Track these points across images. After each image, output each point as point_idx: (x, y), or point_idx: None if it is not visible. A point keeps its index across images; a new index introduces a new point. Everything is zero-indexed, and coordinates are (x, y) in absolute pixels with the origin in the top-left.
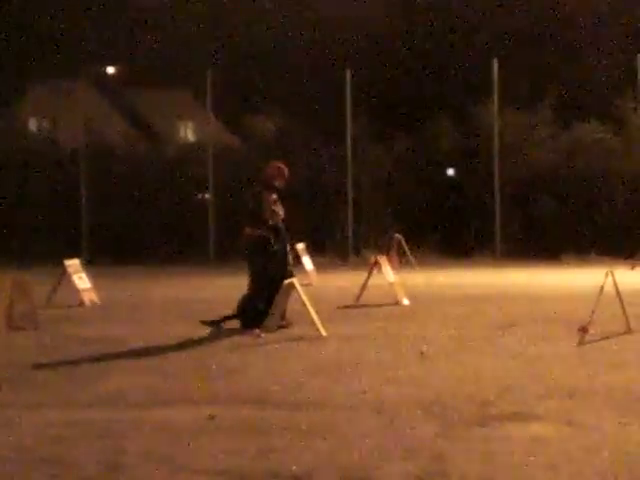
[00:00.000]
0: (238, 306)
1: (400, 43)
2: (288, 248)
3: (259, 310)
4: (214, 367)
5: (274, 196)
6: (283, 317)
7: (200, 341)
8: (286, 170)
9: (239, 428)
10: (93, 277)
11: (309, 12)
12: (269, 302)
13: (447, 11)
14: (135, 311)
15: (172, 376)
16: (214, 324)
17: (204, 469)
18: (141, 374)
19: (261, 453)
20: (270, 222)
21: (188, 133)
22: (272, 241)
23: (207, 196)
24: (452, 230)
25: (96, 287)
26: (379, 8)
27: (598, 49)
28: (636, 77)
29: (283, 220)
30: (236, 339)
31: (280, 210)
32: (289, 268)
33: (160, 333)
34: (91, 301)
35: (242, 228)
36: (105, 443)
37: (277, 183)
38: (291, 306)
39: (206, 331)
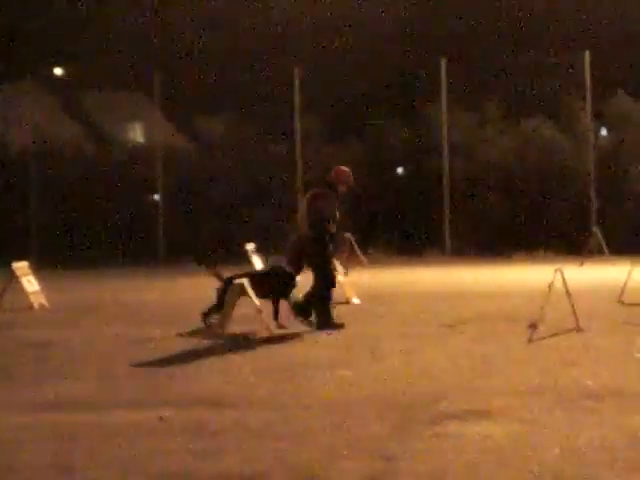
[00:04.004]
0: (315, 310)
1: (351, 43)
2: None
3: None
4: (162, 368)
5: (336, 200)
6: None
7: (150, 342)
8: (351, 177)
9: (190, 429)
10: (42, 280)
11: (259, 10)
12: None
13: (397, 11)
14: (84, 314)
15: (122, 378)
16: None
17: (155, 471)
18: (90, 377)
19: (212, 454)
20: (330, 224)
21: (138, 135)
22: (329, 242)
23: (156, 197)
24: (402, 228)
25: (45, 290)
26: (331, 8)
27: (546, 47)
28: (584, 74)
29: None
30: (186, 340)
31: (337, 214)
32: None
33: (109, 335)
34: (40, 304)
35: (300, 229)
36: (55, 446)
37: (341, 188)
38: (241, 308)
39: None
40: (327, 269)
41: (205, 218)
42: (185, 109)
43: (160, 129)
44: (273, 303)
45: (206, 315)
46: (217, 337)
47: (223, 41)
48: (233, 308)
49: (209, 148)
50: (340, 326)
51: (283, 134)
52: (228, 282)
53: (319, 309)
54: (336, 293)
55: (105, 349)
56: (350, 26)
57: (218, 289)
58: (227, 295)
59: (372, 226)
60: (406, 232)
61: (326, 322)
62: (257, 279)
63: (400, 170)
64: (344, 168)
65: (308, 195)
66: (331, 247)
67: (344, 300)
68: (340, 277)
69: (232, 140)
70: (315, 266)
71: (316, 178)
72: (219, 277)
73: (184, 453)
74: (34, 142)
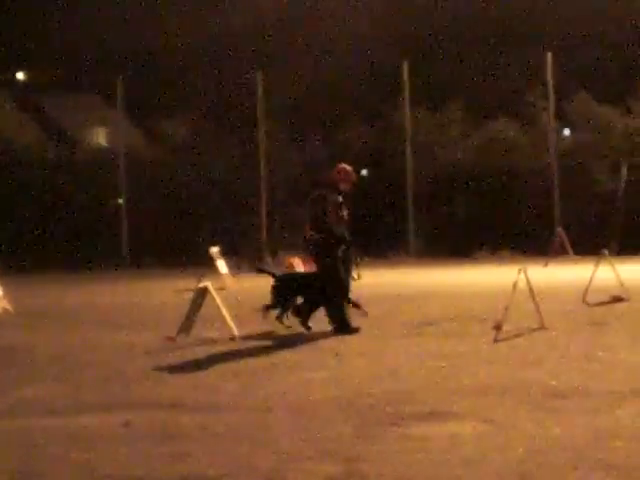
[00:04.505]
0: (330, 316)
1: (314, 45)
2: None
3: (344, 311)
4: (129, 372)
5: (339, 199)
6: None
7: (114, 347)
8: (353, 173)
9: (154, 433)
10: (6, 284)
11: (221, 14)
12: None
13: (360, 13)
14: (49, 318)
15: (87, 382)
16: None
17: (120, 475)
18: (55, 381)
19: (177, 457)
20: (335, 227)
21: (100, 138)
22: (336, 245)
23: (120, 201)
24: (367, 230)
25: (9, 295)
26: (292, 10)
27: (507, 48)
28: (545, 75)
29: (347, 224)
30: (150, 344)
31: (345, 214)
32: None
33: (74, 340)
34: (4, 309)
35: (306, 232)
36: (20, 452)
37: (342, 186)
38: (205, 310)
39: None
40: (335, 274)
41: (169, 221)
42: (148, 112)
43: (123, 132)
44: (310, 305)
45: (267, 310)
46: (184, 337)
47: (186, 44)
48: (198, 311)
49: (172, 151)
50: (356, 330)
51: (246, 137)
52: (279, 279)
53: (335, 316)
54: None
55: (70, 353)
56: (314, 28)
57: (273, 286)
58: (192, 298)
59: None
60: (371, 234)
61: (344, 327)
62: (303, 281)
63: (364, 172)
64: (344, 166)
65: (309, 199)
66: (341, 250)
67: None
68: None
69: (195, 142)
70: (322, 271)
71: (316, 178)
72: (271, 274)
73: (149, 457)
74: None
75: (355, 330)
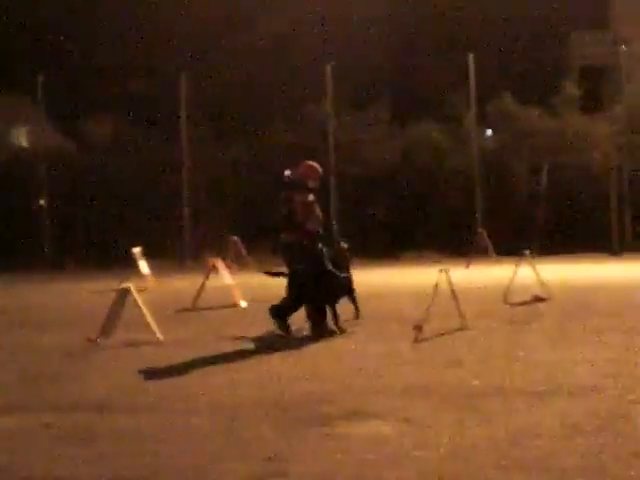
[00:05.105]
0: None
1: (234, 45)
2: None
3: (322, 309)
4: (50, 374)
5: (310, 197)
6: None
7: (35, 348)
8: (319, 169)
9: (76, 434)
10: None
11: (144, 13)
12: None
13: (283, 13)
14: None
15: (6, 384)
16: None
17: (41, 477)
18: None
19: (98, 459)
20: (308, 225)
21: (22, 138)
22: (309, 245)
23: (41, 202)
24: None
25: None
26: (215, 10)
27: (431, 50)
28: (468, 77)
29: (321, 222)
30: (72, 345)
31: (318, 212)
32: (344, 274)
33: None
34: None
35: (277, 234)
36: None
37: (311, 184)
38: (128, 311)
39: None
40: (302, 278)
41: (92, 222)
42: (71, 112)
43: (45, 133)
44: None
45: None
46: (106, 339)
47: (109, 43)
48: (120, 312)
49: (96, 151)
50: (334, 333)
51: (170, 138)
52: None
53: (314, 318)
54: (224, 297)
55: None
56: (238, 28)
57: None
58: (114, 299)
59: (259, 229)
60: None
61: (320, 331)
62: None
63: (287, 172)
64: (310, 163)
65: (277, 201)
66: (317, 249)
67: (231, 304)
68: (227, 280)
69: (119, 143)
70: (292, 274)
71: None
72: (283, 275)
73: (71, 459)
74: None
75: (333, 333)
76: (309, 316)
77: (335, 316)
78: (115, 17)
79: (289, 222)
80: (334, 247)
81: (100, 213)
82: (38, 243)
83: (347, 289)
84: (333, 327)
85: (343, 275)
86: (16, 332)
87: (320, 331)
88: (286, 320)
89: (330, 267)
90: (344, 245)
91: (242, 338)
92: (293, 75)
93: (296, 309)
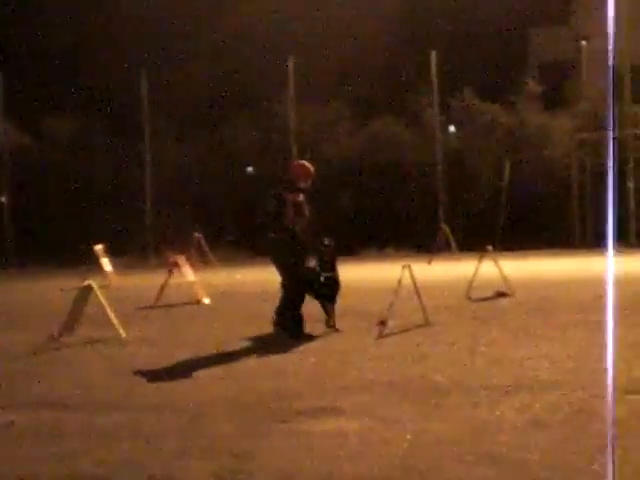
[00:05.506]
0: (277, 314)
1: (198, 42)
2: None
3: (301, 315)
4: (13, 372)
5: (300, 197)
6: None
7: (0, 346)
8: (312, 169)
9: (40, 433)
10: None
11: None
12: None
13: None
14: None
15: None
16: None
17: (4, 475)
18: None
19: (62, 457)
20: (293, 226)
21: None
22: (297, 245)
23: (2, 199)
24: (251, 228)
25: None
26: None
27: (394, 46)
28: (430, 73)
29: (310, 222)
30: (35, 343)
31: (307, 212)
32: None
33: None
34: None
35: (264, 232)
36: None
37: (302, 184)
38: (91, 309)
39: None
40: (294, 276)
41: (55, 219)
42: (31, 109)
43: (3, 129)
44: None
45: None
46: (68, 336)
47: (68, 39)
48: (82, 309)
49: (58, 148)
50: (309, 337)
51: (133, 135)
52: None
53: (288, 316)
54: (187, 294)
55: None
56: (198, 25)
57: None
58: (76, 296)
59: (223, 226)
60: (255, 231)
61: (296, 331)
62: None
63: (250, 169)
64: (302, 162)
65: (265, 199)
66: (301, 248)
67: (194, 301)
68: (189, 277)
69: (82, 141)
70: (282, 273)
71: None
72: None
73: (34, 457)
74: None
75: (308, 337)
76: (279, 313)
77: (329, 314)
78: (76, 13)
79: (278, 222)
80: (320, 246)
81: (62, 210)
82: (0, 240)
83: (334, 288)
84: (312, 331)
85: (328, 275)
86: None
87: (292, 332)
88: (301, 325)
89: (313, 266)
90: (329, 243)
91: (199, 332)
92: (255, 71)
93: (299, 305)
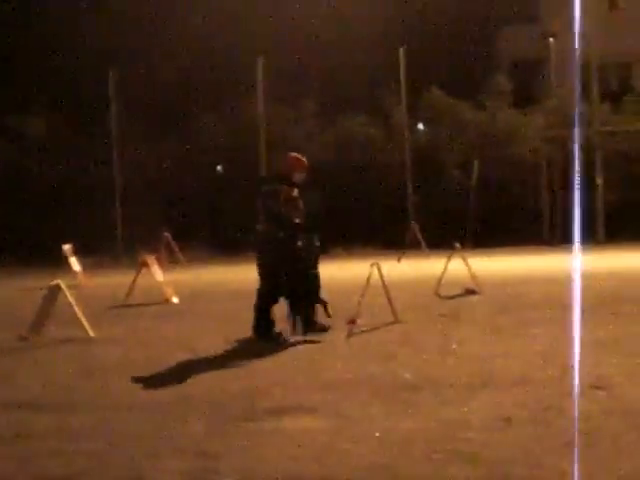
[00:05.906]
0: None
1: (167, 41)
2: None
3: (270, 315)
4: None
5: (295, 192)
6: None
7: None
8: (305, 162)
9: (8, 433)
10: None
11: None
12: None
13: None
14: None
15: None
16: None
17: None
18: None
19: (30, 458)
20: (294, 220)
21: None
22: (289, 241)
23: None
24: (220, 227)
25: None
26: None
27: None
28: (399, 71)
29: (304, 217)
30: (2, 343)
31: (301, 207)
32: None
33: None
34: None
35: (270, 234)
36: None
37: (297, 177)
38: (58, 308)
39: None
40: (273, 275)
41: (23, 219)
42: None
43: None
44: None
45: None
46: (38, 336)
47: (34, 38)
48: (50, 309)
49: (26, 149)
50: (278, 339)
51: (101, 134)
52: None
53: (257, 316)
54: (156, 293)
55: None
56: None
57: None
58: (44, 296)
59: (191, 225)
60: (225, 231)
61: (265, 331)
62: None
63: (219, 168)
64: (297, 155)
65: (259, 194)
66: (293, 244)
67: (163, 300)
68: (158, 277)
69: (49, 139)
70: (261, 267)
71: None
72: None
73: (2, 458)
74: None
75: (277, 338)
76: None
77: (326, 310)
78: (43, 12)
79: (287, 220)
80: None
81: (31, 210)
82: None
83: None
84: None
85: (314, 272)
86: None
87: (261, 332)
88: (270, 329)
89: (302, 264)
90: (315, 242)
91: (167, 332)
92: (224, 71)
93: (271, 304)
